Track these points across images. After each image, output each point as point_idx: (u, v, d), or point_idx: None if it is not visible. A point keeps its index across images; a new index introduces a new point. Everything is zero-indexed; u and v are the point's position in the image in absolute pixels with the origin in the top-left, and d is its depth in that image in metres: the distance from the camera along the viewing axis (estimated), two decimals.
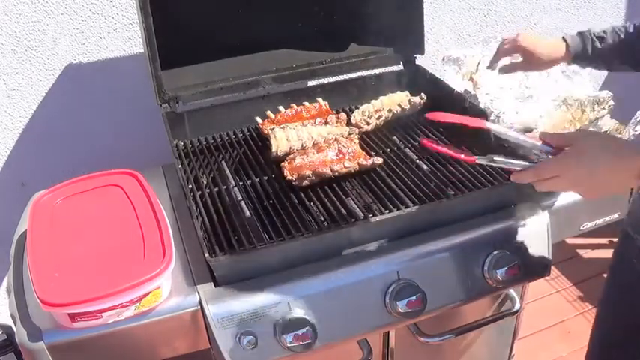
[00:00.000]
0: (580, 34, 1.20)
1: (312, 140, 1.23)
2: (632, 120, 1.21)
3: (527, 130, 1.30)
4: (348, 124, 1.31)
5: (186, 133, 1.30)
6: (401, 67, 1.45)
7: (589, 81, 1.39)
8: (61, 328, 0.91)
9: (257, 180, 1.16)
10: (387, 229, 1.06)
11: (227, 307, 0.95)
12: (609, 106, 1.28)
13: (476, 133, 1.21)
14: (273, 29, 1.35)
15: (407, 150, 1.26)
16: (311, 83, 1.43)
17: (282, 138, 1.22)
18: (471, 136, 1.22)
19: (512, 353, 1.45)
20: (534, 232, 1.12)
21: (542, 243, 1.12)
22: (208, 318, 0.94)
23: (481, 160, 0.95)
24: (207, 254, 0.95)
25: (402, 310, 1.00)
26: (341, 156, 1.18)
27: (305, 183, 1.12)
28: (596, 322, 1.20)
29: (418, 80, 1.41)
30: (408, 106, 1.34)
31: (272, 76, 1.34)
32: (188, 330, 0.97)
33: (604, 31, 1.18)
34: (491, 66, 1.27)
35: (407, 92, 1.40)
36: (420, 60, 1.44)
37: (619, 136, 1.26)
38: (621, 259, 1.12)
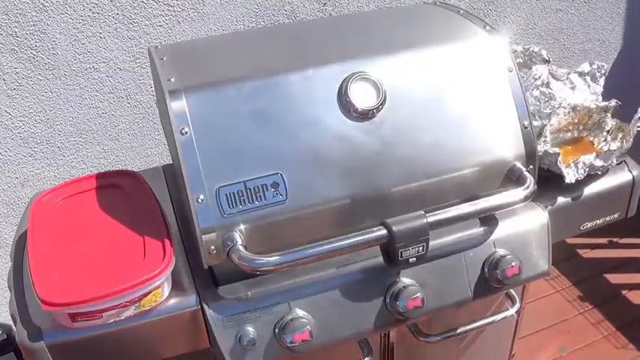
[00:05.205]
0: None
1: None
2: (635, 117, 1.21)
3: None
4: None
5: None
6: None
7: (601, 87, 1.35)
8: (61, 328, 0.91)
9: None
10: None
11: (227, 307, 0.95)
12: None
13: None
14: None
15: None
16: None
17: None
18: None
19: (513, 353, 1.45)
20: (534, 232, 1.12)
21: (542, 243, 1.12)
22: (208, 318, 0.94)
23: None
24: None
25: (402, 310, 1.00)
26: None
27: None
28: None
29: None
30: None
31: None
32: (188, 330, 0.97)
33: None
34: None
35: None
36: None
37: (621, 134, 1.25)
38: None
